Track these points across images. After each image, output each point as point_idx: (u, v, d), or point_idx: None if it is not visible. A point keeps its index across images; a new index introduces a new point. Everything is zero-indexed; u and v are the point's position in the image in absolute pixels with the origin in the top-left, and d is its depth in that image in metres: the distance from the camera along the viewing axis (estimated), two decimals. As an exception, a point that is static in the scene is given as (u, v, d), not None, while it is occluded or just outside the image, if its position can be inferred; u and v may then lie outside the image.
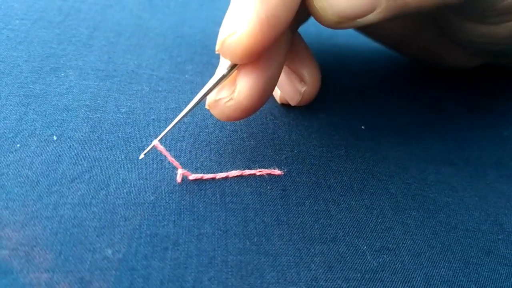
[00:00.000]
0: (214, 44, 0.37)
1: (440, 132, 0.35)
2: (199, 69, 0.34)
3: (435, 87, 0.40)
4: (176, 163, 0.25)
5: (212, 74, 0.34)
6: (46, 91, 0.29)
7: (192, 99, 0.25)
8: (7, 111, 0.26)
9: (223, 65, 0.24)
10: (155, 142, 0.24)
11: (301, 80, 0.30)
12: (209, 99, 0.25)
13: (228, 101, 0.24)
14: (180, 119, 0.25)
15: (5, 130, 0.25)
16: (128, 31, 0.36)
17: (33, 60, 0.31)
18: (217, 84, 0.24)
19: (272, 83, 0.25)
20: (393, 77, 0.41)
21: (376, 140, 0.32)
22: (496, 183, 0.31)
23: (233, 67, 0.24)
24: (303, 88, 0.30)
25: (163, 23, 0.38)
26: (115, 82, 0.31)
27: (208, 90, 0.24)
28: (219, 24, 0.39)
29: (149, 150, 0.25)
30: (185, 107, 0.30)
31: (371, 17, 0.24)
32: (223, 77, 0.24)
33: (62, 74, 0.30)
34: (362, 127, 0.33)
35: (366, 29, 0.39)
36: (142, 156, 0.25)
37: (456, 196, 0.29)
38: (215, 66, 0.35)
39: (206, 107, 0.25)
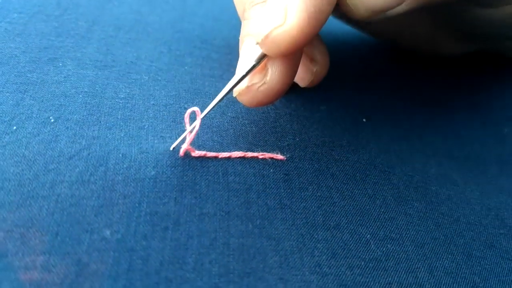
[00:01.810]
0: (214, 39, 0.37)
1: (441, 128, 0.35)
2: (199, 62, 0.34)
3: (437, 83, 0.40)
4: (190, 139, 0.24)
5: (211, 67, 0.33)
6: (44, 79, 0.28)
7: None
8: (4, 97, 0.26)
9: (249, 57, 0.24)
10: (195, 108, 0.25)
11: (312, 59, 0.30)
12: (239, 86, 0.25)
13: (261, 85, 0.24)
14: (210, 110, 0.25)
15: (1, 114, 0.25)
16: (127, 26, 0.36)
17: (31, 51, 0.30)
18: (247, 75, 0.24)
19: (298, 65, 0.26)
20: (394, 72, 0.41)
21: (377, 133, 0.32)
22: (497, 178, 0.31)
23: (261, 58, 0.24)
24: (315, 68, 0.30)
25: (162, 18, 0.38)
26: (114, 72, 0.30)
27: (239, 80, 0.24)
28: (218, 20, 0.40)
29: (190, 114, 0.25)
30: (185, 95, 0.30)
31: (399, 9, 0.25)
32: (253, 67, 0.24)
33: (60, 64, 0.30)
34: (364, 120, 0.33)
35: (362, 26, 0.39)
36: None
37: (458, 190, 0.29)
38: (214, 60, 0.35)
39: (235, 95, 0.25)
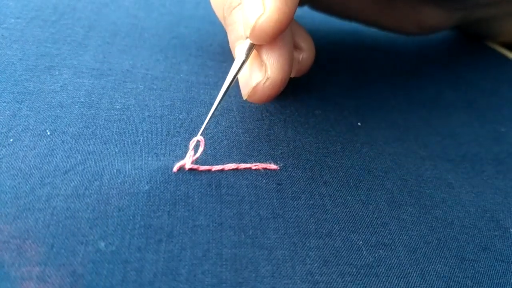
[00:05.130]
0: (210, 46, 0.38)
1: (437, 128, 0.35)
2: (195, 70, 0.34)
3: (432, 84, 0.40)
4: (193, 159, 0.25)
5: (207, 75, 0.34)
6: (40, 88, 0.28)
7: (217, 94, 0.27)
8: (1, 108, 0.26)
9: (240, 54, 0.26)
10: (199, 137, 0.26)
11: (297, 48, 0.31)
12: (247, 89, 0.26)
13: (265, 82, 0.26)
14: (214, 110, 0.26)
15: None
16: (124, 31, 0.36)
17: (28, 59, 0.31)
18: (240, 70, 0.26)
19: (292, 50, 0.27)
20: (389, 74, 0.41)
21: (373, 136, 0.32)
22: (493, 179, 0.31)
23: (249, 50, 0.25)
24: (300, 55, 0.31)
25: (159, 22, 0.38)
26: (110, 81, 0.31)
27: (235, 75, 0.26)
28: (214, 23, 0.40)
29: (195, 144, 0.26)
30: (180, 104, 0.30)
31: None
32: (244, 62, 0.26)
33: (57, 73, 0.30)
34: (359, 123, 0.33)
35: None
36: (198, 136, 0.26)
37: (453, 192, 0.29)
38: (209, 67, 0.35)
39: (245, 98, 0.27)
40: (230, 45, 0.29)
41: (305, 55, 0.31)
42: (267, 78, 0.26)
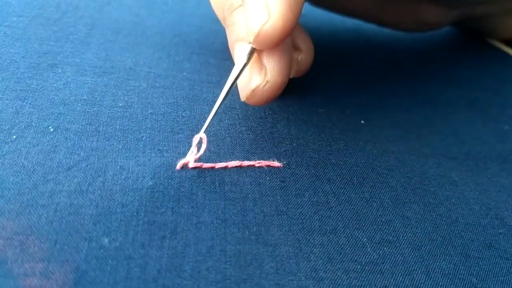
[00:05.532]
0: (212, 44, 0.38)
1: (440, 127, 0.35)
2: (197, 68, 0.34)
3: (435, 82, 0.40)
4: (196, 157, 0.25)
5: (209, 73, 0.34)
6: (43, 86, 0.28)
7: (219, 93, 0.26)
8: (3, 105, 0.26)
9: (241, 57, 0.25)
10: (201, 134, 0.26)
11: (296, 49, 0.31)
12: (245, 91, 0.26)
13: (265, 85, 0.26)
14: (215, 113, 0.26)
15: (0, 123, 0.25)
16: (126, 29, 0.36)
17: (30, 57, 0.31)
18: (241, 72, 0.25)
19: (291, 54, 0.27)
20: (392, 72, 0.41)
21: (376, 134, 0.32)
22: (497, 177, 0.31)
23: (251, 54, 0.25)
24: (299, 56, 0.31)
25: (161, 21, 0.38)
26: (113, 79, 0.31)
27: (235, 78, 0.25)
28: (216, 21, 0.40)
29: (197, 143, 0.26)
30: (183, 102, 0.30)
31: None
32: (245, 66, 0.25)
33: (59, 70, 0.30)
34: (362, 121, 0.33)
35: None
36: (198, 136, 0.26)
37: (457, 190, 0.29)
38: (212, 65, 0.35)
39: (244, 100, 0.27)
40: (229, 45, 0.28)
41: (304, 56, 0.31)
42: (267, 82, 0.26)
